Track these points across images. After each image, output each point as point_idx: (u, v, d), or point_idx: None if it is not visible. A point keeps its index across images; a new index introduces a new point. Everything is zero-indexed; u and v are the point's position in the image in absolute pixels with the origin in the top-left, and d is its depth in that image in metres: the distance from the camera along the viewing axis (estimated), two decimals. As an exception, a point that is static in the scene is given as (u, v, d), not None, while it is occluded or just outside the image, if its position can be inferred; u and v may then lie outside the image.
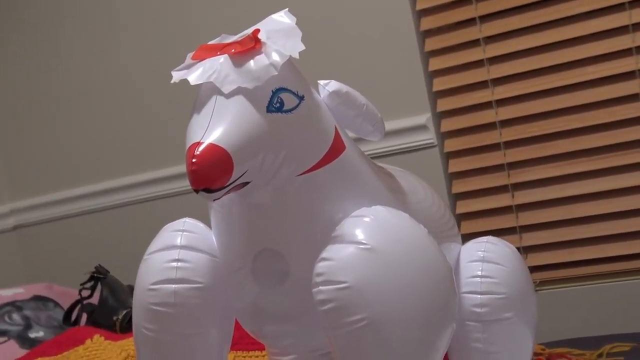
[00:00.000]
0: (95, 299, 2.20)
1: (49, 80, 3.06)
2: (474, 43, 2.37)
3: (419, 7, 2.41)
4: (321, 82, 1.41)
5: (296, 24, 1.35)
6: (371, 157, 1.53)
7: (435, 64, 2.41)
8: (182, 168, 1.26)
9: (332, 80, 1.41)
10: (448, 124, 2.41)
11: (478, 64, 2.37)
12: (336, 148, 1.35)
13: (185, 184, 1.25)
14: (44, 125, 3.08)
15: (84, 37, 2.97)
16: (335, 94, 1.39)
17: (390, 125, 2.37)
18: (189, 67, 1.34)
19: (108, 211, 2.94)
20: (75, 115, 3.01)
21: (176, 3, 2.77)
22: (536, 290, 2.10)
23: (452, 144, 2.41)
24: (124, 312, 2.11)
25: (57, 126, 3.05)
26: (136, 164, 2.86)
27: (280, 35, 1.32)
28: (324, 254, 1.28)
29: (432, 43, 2.42)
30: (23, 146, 3.14)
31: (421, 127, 2.41)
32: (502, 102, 2.35)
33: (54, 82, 3.05)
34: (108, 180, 2.93)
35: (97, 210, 2.96)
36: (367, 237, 1.27)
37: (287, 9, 1.38)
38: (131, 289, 2.17)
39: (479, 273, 1.52)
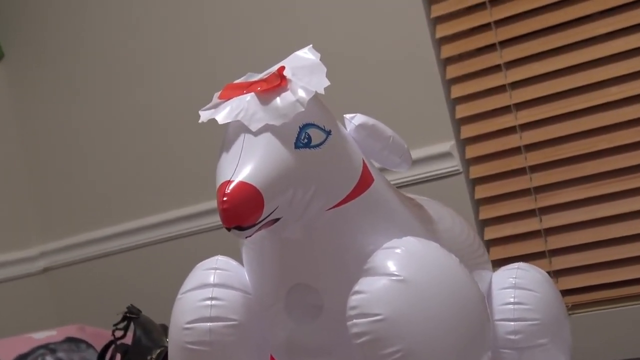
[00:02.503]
0: (128, 339, 2.21)
1: (75, 122, 3.09)
2: (495, 68, 2.38)
3: (438, 35, 2.43)
4: (347, 115, 1.43)
5: (320, 59, 1.37)
6: (397, 187, 1.55)
7: (457, 91, 2.42)
8: (212, 204, 1.29)
9: (358, 114, 1.43)
10: (473, 150, 2.42)
11: (500, 89, 2.38)
12: (365, 181, 1.37)
13: (216, 220, 1.28)
14: (70, 168, 3.12)
15: (108, 77, 3.01)
16: (361, 127, 1.42)
17: (414, 154, 2.36)
18: (216, 106, 1.36)
19: (138, 250, 2.96)
20: (101, 156, 3.04)
21: (200, 42, 2.81)
22: (569, 315, 2.10)
23: (477, 170, 2.42)
24: (158, 351, 2.12)
25: (83, 168, 3.08)
26: (165, 202, 2.88)
27: (306, 71, 1.34)
28: (357, 287, 1.29)
29: (453, 70, 2.43)
30: (51, 188, 3.18)
31: (446, 155, 2.41)
32: (526, 127, 2.36)
33: (77, 125, 3.08)
34: (137, 219, 2.95)
35: (127, 249, 2.98)
36: (399, 269, 1.29)
37: (310, 45, 1.41)
38: (164, 328, 2.19)
39: (512, 300, 1.53)
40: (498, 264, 2.14)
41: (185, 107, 2.75)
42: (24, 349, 2.39)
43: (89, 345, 2.44)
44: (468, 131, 2.42)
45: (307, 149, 1.30)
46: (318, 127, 1.32)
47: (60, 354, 2.37)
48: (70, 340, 2.43)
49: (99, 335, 2.48)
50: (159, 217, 2.90)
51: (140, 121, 2.94)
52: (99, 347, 2.36)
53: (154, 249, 2.92)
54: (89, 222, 3.07)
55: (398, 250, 1.31)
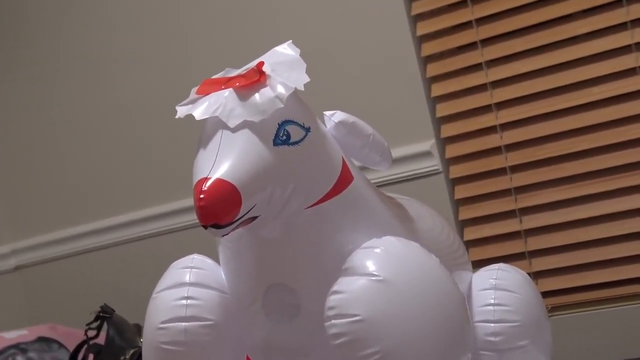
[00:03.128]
0: (101, 339, 2.20)
1: (46, 119, 3.07)
2: (476, 67, 2.38)
3: (419, 32, 2.42)
4: (327, 113, 1.43)
5: (300, 55, 1.36)
6: (376, 186, 1.54)
7: (438, 89, 2.42)
8: (187, 202, 1.28)
9: (338, 111, 1.43)
10: (453, 150, 2.42)
11: (481, 88, 2.38)
12: (344, 179, 1.36)
13: (191, 218, 1.27)
14: (43, 164, 3.09)
15: (79, 74, 2.98)
16: (341, 124, 1.41)
17: (394, 153, 2.33)
18: (193, 101, 1.35)
19: (112, 248, 2.94)
20: (75, 153, 3.02)
21: (176, 36, 2.79)
22: (549, 316, 2.11)
23: (457, 170, 2.42)
24: (132, 351, 2.11)
25: (56, 164, 3.06)
26: (140, 199, 2.87)
27: (285, 67, 1.33)
28: (335, 287, 1.29)
29: (434, 69, 2.43)
30: (22, 186, 3.15)
31: (425, 154, 2.41)
32: (506, 126, 2.36)
33: (51, 121, 3.06)
34: (111, 216, 2.93)
35: (101, 247, 2.96)
36: (378, 269, 1.28)
37: (290, 40, 1.40)
38: (138, 328, 2.17)
39: (492, 301, 1.53)
40: (477, 265, 2.13)
41: (161, 102, 2.73)
42: (-6, 348, 2.36)
43: (61, 345, 2.42)
44: (448, 130, 2.42)
45: (286, 145, 1.30)
46: (297, 124, 1.32)
47: (32, 354, 2.35)
48: (41, 339, 2.41)
49: (72, 334, 2.46)
50: (134, 214, 2.88)
51: (115, 116, 2.92)
52: (71, 347, 2.35)
53: (129, 247, 2.90)
54: (62, 219, 3.05)
55: (377, 250, 1.31)
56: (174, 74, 2.77)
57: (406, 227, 1.44)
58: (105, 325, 2.19)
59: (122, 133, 2.91)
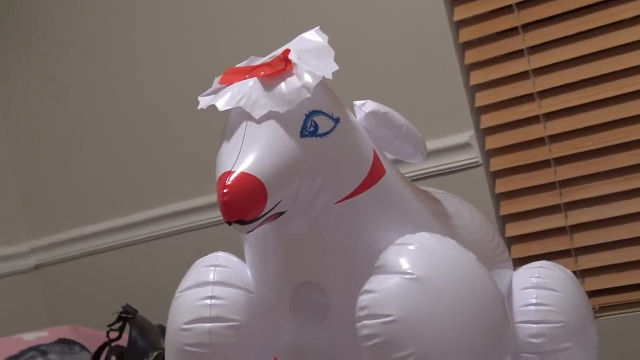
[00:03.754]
0: (124, 341, 2.22)
1: (65, 114, 3.09)
2: (518, 54, 2.37)
3: (456, 17, 2.41)
4: (357, 102, 1.43)
5: (328, 42, 1.36)
6: (411, 180, 1.54)
7: (477, 77, 2.41)
8: (212, 198, 1.28)
9: (369, 101, 1.42)
10: (493, 141, 2.40)
11: (523, 75, 2.36)
12: (376, 172, 1.36)
13: (216, 215, 1.27)
14: (62, 160, 3.12)
15: (98, 67, 3.00)
16: (372, 114, 1.41)
17: (430, 145, 2.37)
18: (216, 91, 1.36)
19: (134, 246, 2.96)
20: (95, 148, 3.04)
21: (199, 24, 2.80)
22: (595, 317, 2.09)
23: (498, 163, 2.41)
24: (155, 353, 2.13)
25: (76, 159, 3.08)
26: (163, 196, 2.88)
27: (312, 55, 1.34)
28: (367, 286, 1.29)
29: (473, 55, 2.42)
30: (41, 182, 3.18)
31: (464, 146, 2.40)
32: (550, 116, 2.34)
33: (70, 117, 3.08)
34: (133, 213, 2.95)
35: (123, 245, 2.98)
36: (412, 266, 1.28)
37: (318, 27, 1.40)
38: (162, 328, 2.19)
39: (534, 301, 1.52)
40: (520, 262, 2.13)
41: (183, 93, 2.75)
42: (13, 350, 2.39)
43: (83, 347, 2.44)
44: (488, 120, 2.41)
45: (314, 137, 1.30)
46: (325, 114, 1.32)
47: (52, 356, 2.37)
48: (62, 341, 2.44)
49: (93, 336, 2.48)
50: (156, 211, 2.90)
51: (136, 110, 2.94)
52: (93, 349, 2.37)
53: (151, 245, 2.92)
54: (83, 216, 3.07)
55: (411, 247, 1.31)
56: (197, 63, 2.78)
57: (442, 222, 1.44)
58: (127, 327, 2.21)
59: (143, 127, 2.93)
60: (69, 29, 3.06)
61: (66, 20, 3.06)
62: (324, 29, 1.40)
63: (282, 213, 1.28)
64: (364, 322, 1.27)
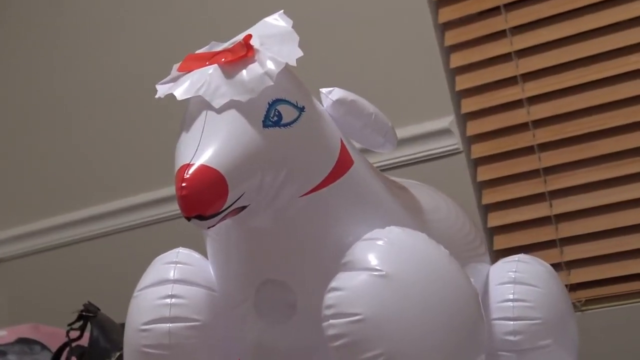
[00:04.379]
0: (85, 340, 2.22)
1: (24, 102, 3.08)
2: (500, 34, 2.37)
3: (436, -4, 2.43)
4: (323, 90, 1.43)
5: (293, 27, 1.36)
6: (388, 168, 1.55)
7: (457, 59, 2.42)
8: (173, 190, 1.28)
9: (336, 88, 1.43)
10: (474, 127, 2.41)
11: (505, 57, 2.36)
12: (343, 163, 1.36)
13: (177, 208, 1.27)
14: (21, 148, 3.11)
15: (51, 54, 3.00)
16: (339, 102, 1.41)
17: (409, 131, 2.39)
18: (175, 79, 1.36)
19: (96, 240, 2.95)
20: (54, 135, 3.03)
21: (157, 6, 2.79)
22: (582, 310, 2.11)
23: (479, 149, 2.41)
24: (117, 354, 2.13)
25: (35, 147, 3.07)
26: (122, 188, 2.87)
27: (275, 40, 1.34)
28: (333, 283, 1.29)
29: (453, 36, 2.42)
30: (1, 174, 3.17)
31: (444, 132, 2.41)
32: (534, 100, 2.35)
33: (29, 105, 3.07)
34: (95, 205, 2.95)
35: (84, 239, 2.97)
36: (381, 263, 1.28)
37: (282, 10, 1.40)
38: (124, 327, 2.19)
39: (511, 297, 1.53)
40: (503, 254, 2.14)
41: (140, 82, 2.73)
42: (-31, 351, 2.39)
43: (44, 347, 2.44)
44: (469, 105, 2.41)
45: (277, 127, 1.30)
46: (289, 102, 1.32)
47: (11, 357, 2.37)
48: (22, 341, 2.43)
49: (56, 335, 2.48)
50: (118, 203, 2.89)
51: (93, 98, 2.93)
52: (55, 349, 2.37)
53: (114, 238, 2.92)
54: (43, 209, 3.06)
55: (380, 242, 1.31)
56: (154, 48, 2.77)
57: (413, 216, 1.44)
58: (89, 326, 2.21)
59: (100, 115, 2.92)
60: (29, 5, 3.05)
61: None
62: (292, 9, 1.40)
63: (244, 207, 1.28)
64: (331, 321, 1.27)
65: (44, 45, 3.03)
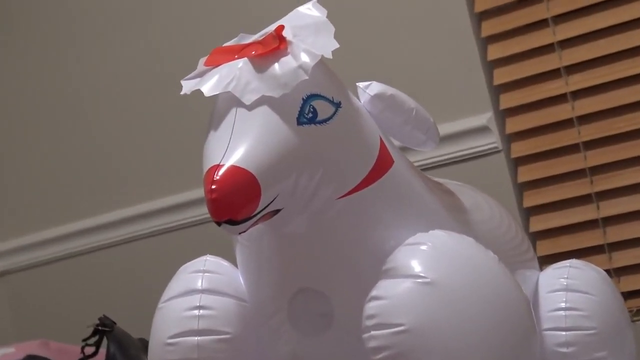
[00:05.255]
0: (101, 357, 2.22)
1: (30, 109, 3.10)
2: (541, 24, 2.37)
3: (471, -17, 2.43)
4: (361, 84, 1.43)
5: (327, 16, 1.37)
6: (422, 169, 1.55)
7: (495, 51, 2.42)
8: (200, 192, 1.29)
9: (374, 82, 1.43)
10: (514, 124, 2.41)
11: (547, 48, 2.36)
12: (383, 163, 1.37)
13: (205, 212, 1.28)
14: (26, 153, 3.13)
15: (57, 53, 3.01)
16: (377, 97, 1.42)
17: (443, 129, 2.35)
18: (201, 74, 1.37)
19: (110, 249, 2.96)
20: (62, 138, 3.04)
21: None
22: (633, 321, 2.10)
23: (520, 148, 2.41)
24: (137, 370, 2.14)
25: (42, 152, 3.09)
26: (143, 191, 2.89)
27: (309, 31, 1.34)
28: (374, 292, 1.30)
29: (490, 26, 2.42)
30: (5, 179, 3.18)
31: (482, 129, 2.41)
32: (579, 94, 2.35)
33: (36, 111, 3.09)
34: (108, 212, 2.95)
35: (97, 249, 2.99)
36: (425, 269, 1.29)
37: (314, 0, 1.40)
38: (143, 343, 2.19)
39: (563, 305, 1.53)
40: (546, 260, 2.14)
41: (164, 77, 2.74)
42: (-25, 370, 2.40)
43: (55, 365, 2.45)
44: (508, 100, 2.42)
45: (313, 124, 1.31)
46: (325, 98, 1.33)
47: (21, 375, 2.38)
48: (31, 358, 2.44)
49: (66, 352, 2.49)
50: (135, 209, 2.90)
51: (108, 96, 2.95)
52: (66, 367, 2.38)
53: (132, 246, 2.93)
54: (51, 217, 3.08)
55: (424, 247, 1.31)
56: (179, 40, 2.78)
57: (458, 218, 1.44)
58: (105, 341, 2.21)
59: (117, 114, 2.93)
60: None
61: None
62: (321, 2, 1.41)
63: (278, 211, 1.29)
64: (372, 332, 1.27)
65: (60, 38, 3.04)
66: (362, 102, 1.42)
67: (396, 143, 1.45)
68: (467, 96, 2.43)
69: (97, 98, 2.97)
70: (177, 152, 2.79)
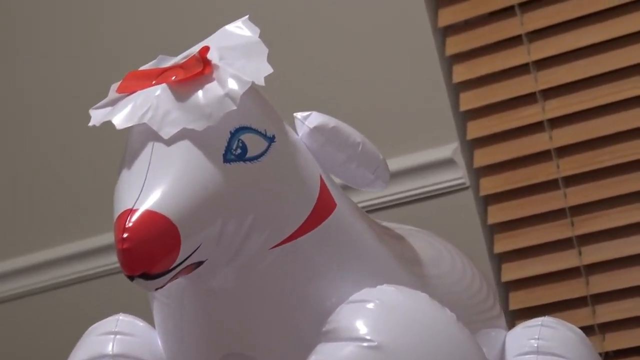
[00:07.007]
0: None
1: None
2: (515, 41, 2.39)
3: (435, -7, 2.45)
4: (298, 114, 1.44)
5: (261, 36, 1.37)
6: (374, 209, 1.56)
7: (462, 72, 2.43)
8: (110, 238, 1.29)
9: (314, 112, 1.43)
10: (483, 156, 2.42)
11: (521, 69, 2.38)
12: (323, 206, 1.37)
13: (113, 261, 1.28)
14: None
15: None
16: (318, 130, 1.42)
17: (401, 163, 2.40)
18: (113, 103, 1.36)
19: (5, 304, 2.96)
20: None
21: (91, 13, 2.80)
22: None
23: (490, 184, 2.42)
24: None
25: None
26: (49, 237, 2.88)
27: (239, 53, 1.34)
28: (313, 357, 1.30)
29: (456, 43, 2.43)
30: None
31: (446, 162, 2.42)
32: (557, 122, 2.36)
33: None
34: (10, 258, 2.95)
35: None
36: (371, 331, 1.29)
37: (246, 16, 1.41)
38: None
39: (533, 371, 1.54)
40: (520, 315, 2.16)
41: (71, 105, 2.74)
42: None
43: None
44: (477, 129, 2.43)
45: (242, 162, 1.31)
46: (256, 131, 1.33)
47: None
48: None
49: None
50: (39, 255, 2.89)
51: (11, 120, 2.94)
52: None
53: (29, 301, 2.91)
54: None
55: (370, 305, 1.32)
56: (88, 66, 2.78)
57: (411, 271, 1.45)
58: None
59: (19, 151, 2.93)
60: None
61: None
62: (259, 17, 1.41)
63: (201, 263, 1.29)
64: (310, 405, 1.28)
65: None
66: (300, 135, 1.42)
67: (339, 182, 1.46)
68: (429, 124, 2.44)
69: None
70: (88, 194, 2.78)
